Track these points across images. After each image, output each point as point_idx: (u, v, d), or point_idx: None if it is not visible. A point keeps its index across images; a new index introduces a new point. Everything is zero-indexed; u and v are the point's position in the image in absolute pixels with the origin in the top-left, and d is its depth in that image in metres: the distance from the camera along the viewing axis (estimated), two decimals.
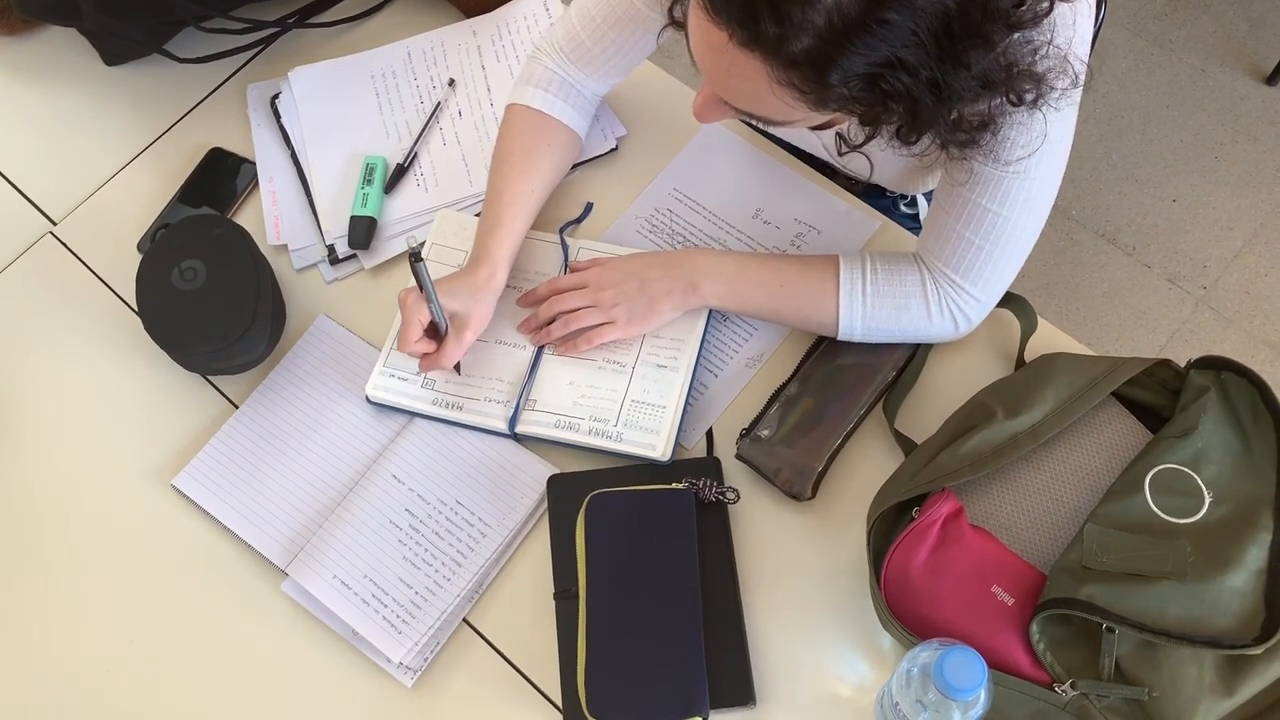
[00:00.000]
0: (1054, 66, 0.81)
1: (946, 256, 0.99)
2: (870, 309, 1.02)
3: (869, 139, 0.88)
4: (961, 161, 0.91)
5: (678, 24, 0.84)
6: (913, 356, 1.05)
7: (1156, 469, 0.90)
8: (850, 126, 0.90)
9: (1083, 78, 0.85)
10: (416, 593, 0.99)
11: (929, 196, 1.30)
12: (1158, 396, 0.98)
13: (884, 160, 1.09)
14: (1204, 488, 0.89)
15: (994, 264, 0.98)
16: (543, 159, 1.10)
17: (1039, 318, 1.06)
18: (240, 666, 0.99)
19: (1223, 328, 2.04)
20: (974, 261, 0.98)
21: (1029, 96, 0.81)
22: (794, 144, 1.22)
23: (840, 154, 0.97)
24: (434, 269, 1.11)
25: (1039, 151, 0.90)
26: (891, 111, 0.78)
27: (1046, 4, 0.76)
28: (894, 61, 0.72)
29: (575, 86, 1.13)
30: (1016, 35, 0.76)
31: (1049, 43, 0.80)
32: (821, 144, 1.13)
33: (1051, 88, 0.82)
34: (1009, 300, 1.05)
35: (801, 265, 1.05)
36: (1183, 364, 0.98)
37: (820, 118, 0.82)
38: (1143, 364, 0.96)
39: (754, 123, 0.84)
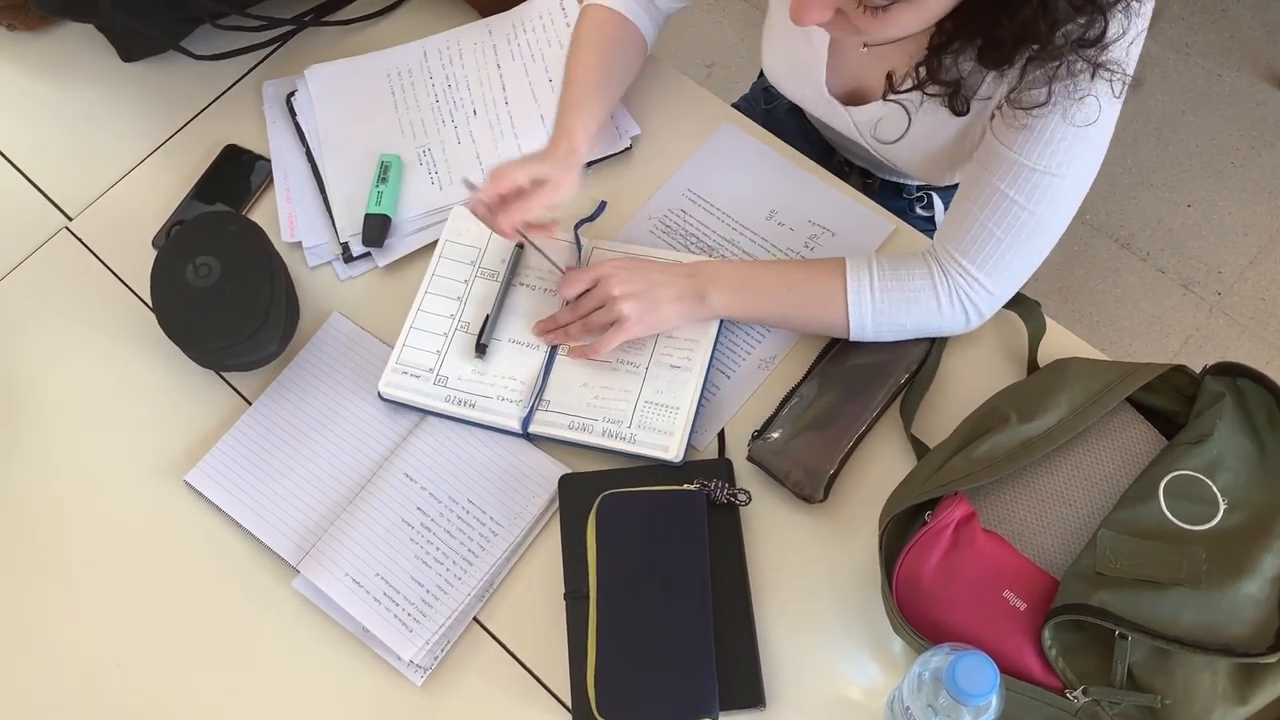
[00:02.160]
0: (1113, 58, 0.86)
1: (965, 245, 0.99)
2: (879, 304, 1.01)
3: (941, 67, 0.91)
4: (1003, 131, 0.94)
5: None
6: (926, 358, 1.05)
7: (1171, 475, 0.90)
8: (921, 70, 0.93)
9: (1126, 83, 0.88)
10: (428, 591, 0.99)
11: (945, 200, 1.30)
12: (1172, 403, 0.97)
13: (922, 133, 1.08)
14: (1219, 495, 0.89)
15: (1010, 258, 0.98)
16: (617, 54, 1.14)
17: (1051, 321, 1.06)
18: (250, 663, 0.99)
19: (1237, 334, 2.03)
20: (991, 253, 0.98)
21: (1090, 61, 0.85)
22: (824, 132, 1.21)
23: (896, 89, 1.00)
24: (449, 267, 1.12)
25: (1074, 150, 0.92)
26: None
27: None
28: None
29: None
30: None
31: (1122, 36, 0.84)
32: (854, 124, 1.13)
33: (1103, 76, 0.86)
34: (1016, 302, 1.05)
35: (807, 268, 1.05)
36: (1196, 370, 0.97)
37: (917, 12, 0.84)
38: (1158, 369, 0.95)
39: (846, 33, 0.88)
